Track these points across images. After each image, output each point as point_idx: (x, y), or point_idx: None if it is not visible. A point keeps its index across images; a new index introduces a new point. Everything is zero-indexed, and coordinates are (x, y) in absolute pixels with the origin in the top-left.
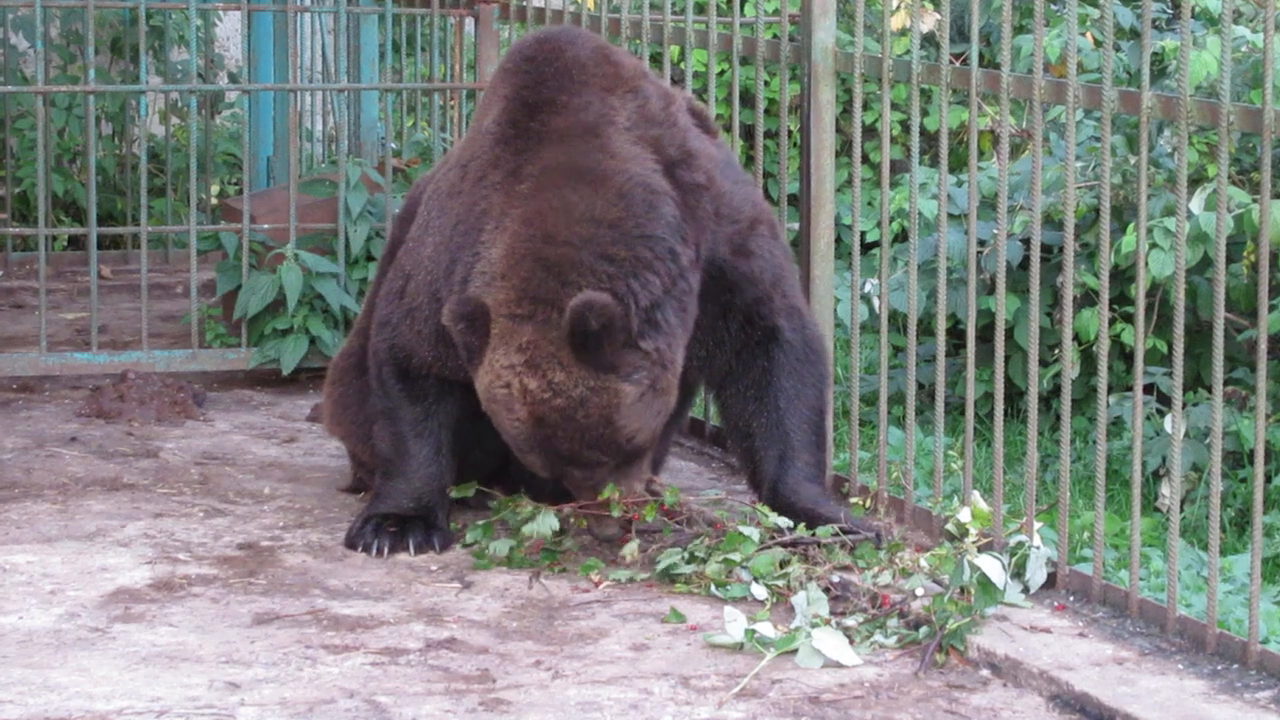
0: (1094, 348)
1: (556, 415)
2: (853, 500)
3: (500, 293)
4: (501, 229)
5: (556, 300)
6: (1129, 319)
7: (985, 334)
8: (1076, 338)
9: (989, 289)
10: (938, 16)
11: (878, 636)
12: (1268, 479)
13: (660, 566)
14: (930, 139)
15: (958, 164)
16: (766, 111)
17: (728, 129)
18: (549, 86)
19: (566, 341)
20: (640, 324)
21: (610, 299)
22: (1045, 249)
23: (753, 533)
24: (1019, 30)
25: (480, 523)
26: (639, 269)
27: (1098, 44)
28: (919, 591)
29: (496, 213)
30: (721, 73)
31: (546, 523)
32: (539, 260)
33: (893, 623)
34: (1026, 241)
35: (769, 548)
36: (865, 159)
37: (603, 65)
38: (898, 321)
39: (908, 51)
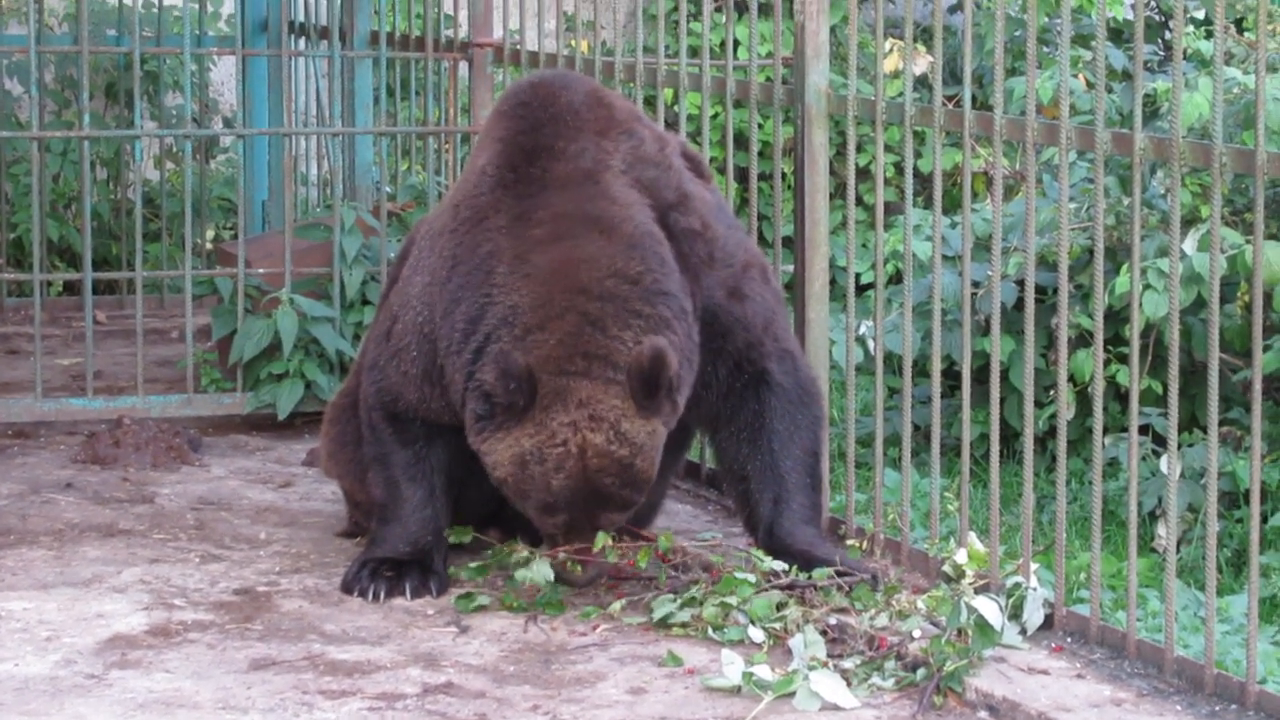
0: (1089, 389)
1: (616, 465)
2: (849, 542)
3: (542, 349)
4: (523, 276)
5: (608, 354)
6: (1124, 360)
7: (980, 375)
8: (1072, 379)
9: (984, 330)
10: (930, 59)
11: (875, 678)
12: (1264, 519)
13: (656, 616)
14: (924, 181)
15: (952, 206)
16: (760, 154)
17: (721, 171)
18: (545, 132)
19: (631, 389)
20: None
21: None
22: (1040, 290)
23: (748, 577)
24: (1011, 72)
25: (474, 564)
26: (660, 326)
27: (1090, 86)
28: (916, 633)
29: (509, 257)
30: (715, 116)
31: (541, 571)
32: (582, 315)
33: (890, 665)
34: (1021, 283)
35: (766, 590)
36: (859, 201)
37: (596, 109)
38: (893, 363)
39: (901, 94)
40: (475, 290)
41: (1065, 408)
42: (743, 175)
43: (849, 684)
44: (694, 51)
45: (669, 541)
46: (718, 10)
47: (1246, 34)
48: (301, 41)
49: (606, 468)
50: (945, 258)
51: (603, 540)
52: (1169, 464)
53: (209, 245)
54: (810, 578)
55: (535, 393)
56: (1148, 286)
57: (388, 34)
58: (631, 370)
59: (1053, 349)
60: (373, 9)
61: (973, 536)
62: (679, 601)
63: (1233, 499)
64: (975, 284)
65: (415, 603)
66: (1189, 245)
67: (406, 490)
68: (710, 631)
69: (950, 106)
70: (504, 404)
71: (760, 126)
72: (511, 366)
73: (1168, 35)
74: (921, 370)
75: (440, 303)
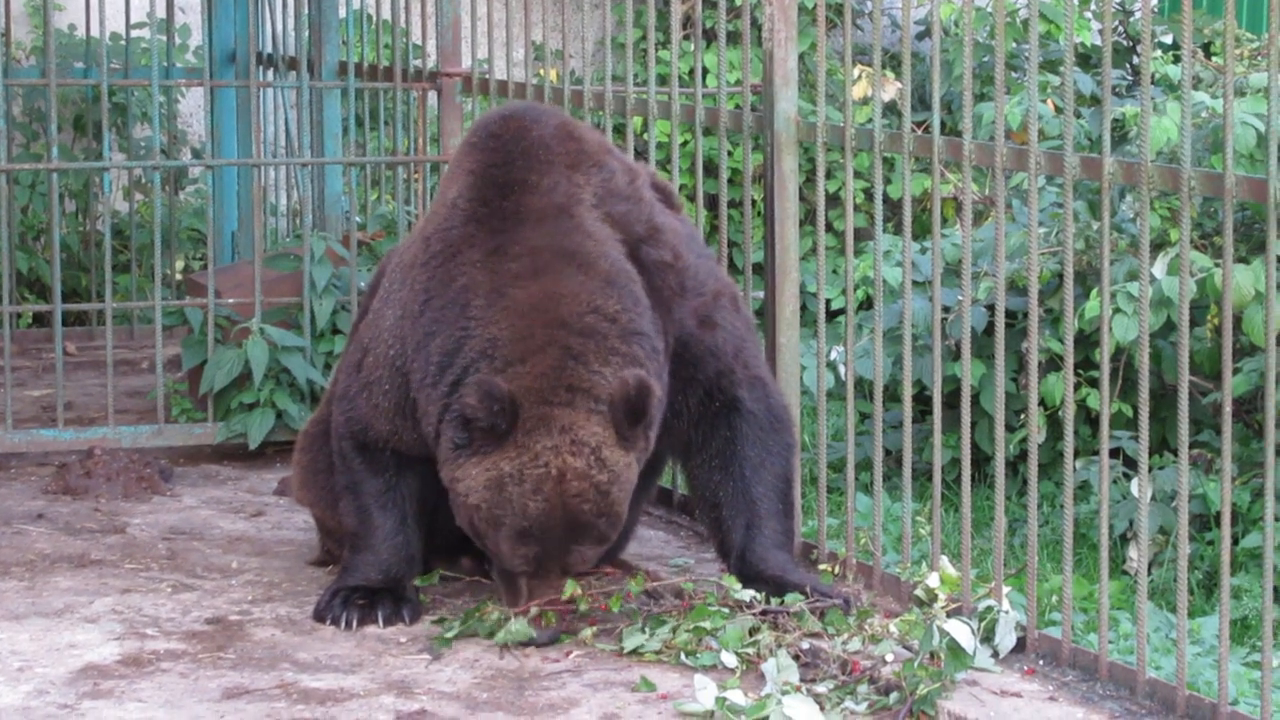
0: (1060, 412)
1: (594, 491)
2: (821, 567)
3: (527, 380)
4: (502, 309)
5: (590, 388)
6: (1094, 383)
7: (951, 400)
8: (1042, 403)
9: (954, 355)
10: (899, 85)
11: (848, 703)
12: (1234, 541)
13: (627, 647)
14: (893, 207)
15: (921, 231)
16: (730, 181)
17: (691, 199)
18: (517, 166)
19: (614, 419)
20: None
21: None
22: (1010, 315)
23: (721, 609)
24: (980, 98)
25: (449, 635)
26: (633, 365)
27: (1059, 111)
28: (889, 657)
29: (485, 290)
30: (685, 143)
31: (520, 630)
32: (564, 348)
33: (863, 689)
34: (991, 308)
35: (738, 616)
36: (829, 227)
37: (566, 142)
38: (864, 388)
39: (870, 120)
40: (451, 324)
41: (1036, 431)
42: (712, 202)
43: (822, 708)
44: (663, 79)
45: (640, 585)
46: (686, 38)
47: (1214, 58)
48: (269, 72)
49: (584, 492)
50: (915, 283)
51: (572, 588)
52: (1140, 487)
53: (179, 276)
54: (783, 603)
55: (517, 417)
56: (1117, 310)
57: (356, 64)
58: (616, 399)
59: (1023, 373)
60: (340, 39)
61: (945, 560)
62: (650, 631)
63: (1204, 521)
64: (946, 309)
65: (388, 630)
66: (1158, 269)
67: (378, 518)
68: (683, 657)
69: (919, 133)
70: (485, 427)
71: (730, 154)
72: (495, 390)
73: (1136, 60)
74: (893, 395)
75: (413, 336)
